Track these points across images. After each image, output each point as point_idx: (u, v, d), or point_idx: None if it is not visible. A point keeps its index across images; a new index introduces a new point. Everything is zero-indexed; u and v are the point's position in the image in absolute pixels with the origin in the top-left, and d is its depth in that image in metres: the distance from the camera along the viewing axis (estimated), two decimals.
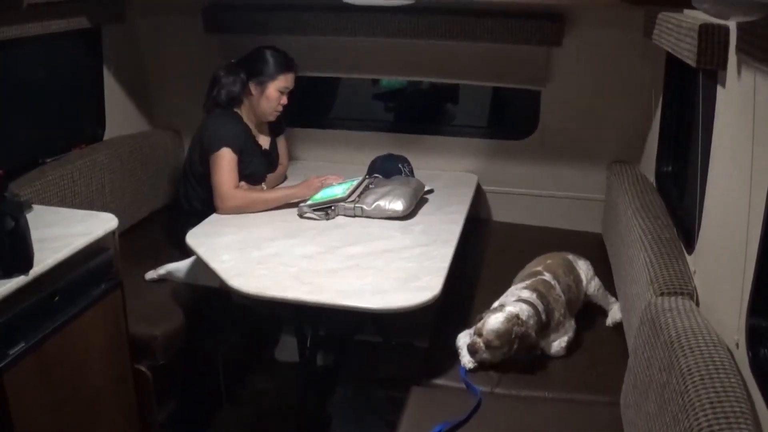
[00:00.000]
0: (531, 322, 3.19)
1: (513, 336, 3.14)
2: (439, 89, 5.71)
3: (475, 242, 4.40)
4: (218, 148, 3.94)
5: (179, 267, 3.85)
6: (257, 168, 4.17)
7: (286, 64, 4.13)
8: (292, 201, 3.98)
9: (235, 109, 4.15)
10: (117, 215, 3.32)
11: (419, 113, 5.74)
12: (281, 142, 4.49)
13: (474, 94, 5.66)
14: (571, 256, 3.65)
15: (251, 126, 4.20)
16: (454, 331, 3.40)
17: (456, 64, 4.61)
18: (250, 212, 3.92)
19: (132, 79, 4.75)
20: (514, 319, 3.15)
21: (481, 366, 3.23)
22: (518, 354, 3.17)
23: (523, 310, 3.20)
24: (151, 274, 3.93)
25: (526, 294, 3.30)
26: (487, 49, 4.47)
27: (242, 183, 4.01)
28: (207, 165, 4.01)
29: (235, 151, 3.96)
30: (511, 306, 3.22)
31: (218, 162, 3.93)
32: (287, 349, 4.47)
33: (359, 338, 4.78)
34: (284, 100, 4.15)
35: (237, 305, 4.04)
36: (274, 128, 4.42)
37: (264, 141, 4.32)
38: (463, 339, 3.31)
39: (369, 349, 4.75)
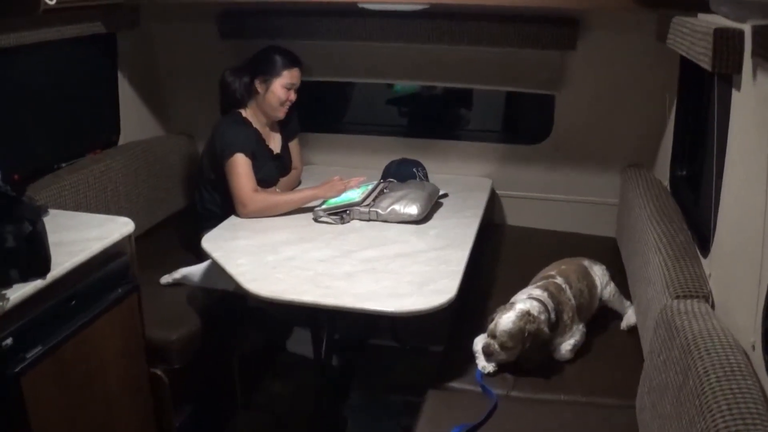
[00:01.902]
0: (542, 317, 3.20)
1: (526, 334, 3.14)
2: (453, 94, 5.69)
3: (490, 246, 4.41)
4: (231, 155, 3.95)
5: (194, 271, 3.86)
6: (268, 172, 4.18)
7: (290, 61, 4.14)
8: (314, 201, 3.98)
9: (244, 114, 4.17)
10: (133, 220, 3.34)
11: (433, 118, 5.73)
12: (294, 146, 4.49)
13: (488, 98, 5.65)
14: (586, 262, 3.65)
15: (261, 130, 4.21)
16: (469, 334, 3.41)
17: (470, 68, 4.62)
18: (273, 214, 3.93)
19: (147, 85, 4.77)
20: (526, 316, 3.16)
21: (497, 369, 3.24)
22: (531, 351, 3.17)
23: (534, 307, 3.20)
24: (166, 279, 3.94)
25: (537, 292, 3.31)
26: (501, 54, 4.47)
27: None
28: (219, 172, 4.03)
29: (248, 155, 3.97)
30: (521, 303, 3.23)
31: (233, 168, 3.94)
32: (302, 353, 4.47)
33: (375, 342, 4.78)
34: (292, 96, 4.16)
35: (252, 309, 4.06)
36: (287, 132, 4.42)
37: (275, 145, 4.32)
38: (480, 343, 3.31)
39: (385, 353, 4.75)
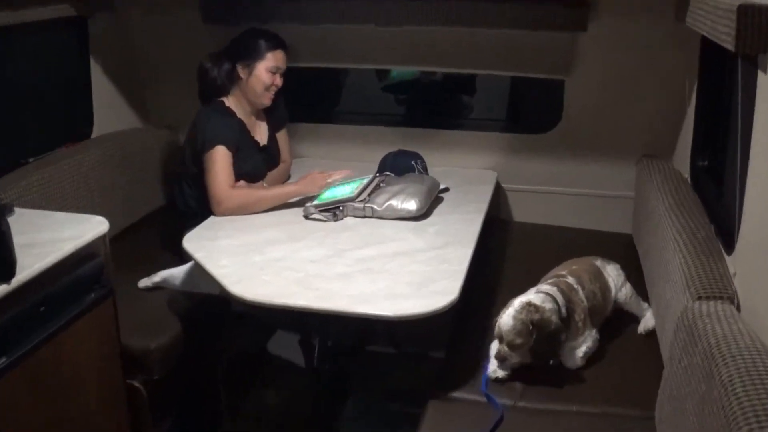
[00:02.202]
0: (548, 306, 3.13)
1: (530, 326, 3.08)
2: (455, 80, 5.69)
3: (495, 244, 4.39)
4: (211, 147, 3.92)
5: (175, 273, 3.82)
6: (255, 165, 4.16)
7: (273, 43, 4.13)
8: (294, 198, 3.96)
9: (227, 104, 4.14)
10: (108, 218, 3.30)
11: (433, 106, 5.72)
12: (282, 138, 4.47)
13: (492, 84, 5.65)
14: (599, 262, 3.60)
15: (245, 120, 4.18)
16: (472, 339, 3.40)
17: (472, 52, 4.59)
18: (250, 212, 3.90)
19: (123, 72, 4.74)
20: (526, 307, 3.10)
21: (508, 375, 3.21)
22: (539, 344, 3.11)
23: (537, 297, 3.15)
24: (144, 282, 3.91)
25: (546, 287, 3.26)
26: (506, 36, 4.44)
27: (241, 182, 3.99)
28: (200, 165, 4.00)
29: (230, 148, 3.94)
30: (521, 296, 3.18)
31: (211, 161, 3.91)
32: (293, 361, 4.43)
33: (371, 348, 4.75)
34: (278, 80, 4.14)
35: (238, 313, 4.02)
36: (274, 122, 4.39)
37: (261, 136, 4.30)
38: (495, 349, 3.26)
39: (382, 360, 4.73)
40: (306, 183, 3.96)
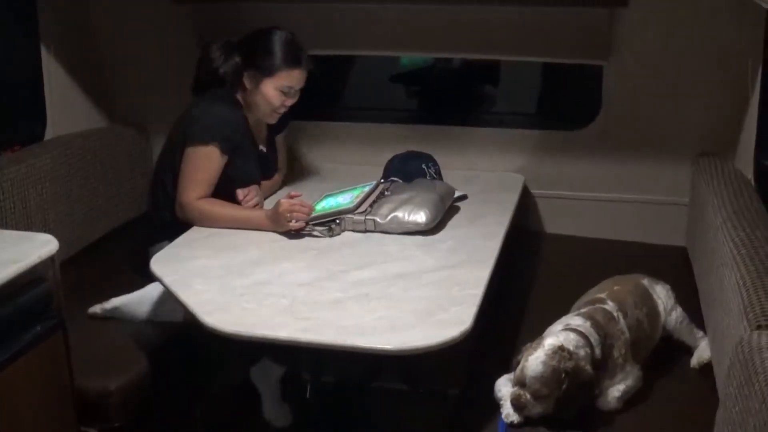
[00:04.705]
0: (581, 353, 3.07)
1: (563, 375, 3.02)
2: (475, 68, 5.71)
3: (521, 261, 4.41)
4: (202, 143, 3.90)
5: (131, 299, 3.81)
6: (249, 173, 4.12)
7: (291, 58, 4.03)
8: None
9: (237, 95, 4.11)
10: (64, 236, 3.34)
11: (449, 99, 5.73)
12: (281, 142, 4.47)
13: (519, 72, 5.66)
14: (646, 281, 3.56)
15: (251, 119, 4.15)
16: (492, 375, 3.33)
17: (495, 34, 4.59)
18: (209, 227, 3.90)
19: (81, 61, 4.74)
20: (559, 352, 3.04)
21: (527, 419, 3.12)
22: (569, 396, 3.04)
23: (569, 340, 3.08)
24: (95, 309, 3.86)
25: (577, 321, 3.20)
26: (534, 14, 4.46)
27: (239, 190, 3.99)
28: (179, 158, 3.99)
29: (224, 150, 3.93)
30: (551, 338, 3.11)
31: (195, 159, 3.91)
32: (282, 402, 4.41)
33: (378, 385, 4.72)
34: (289, 101, 4.07)
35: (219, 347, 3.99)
36: (274, 125, 4.35)
37: (261, 140, 4.29)
38: (505, 387, 3.20)
39: (390, 399, 4.70)
40: (278, 220, 3.82)
